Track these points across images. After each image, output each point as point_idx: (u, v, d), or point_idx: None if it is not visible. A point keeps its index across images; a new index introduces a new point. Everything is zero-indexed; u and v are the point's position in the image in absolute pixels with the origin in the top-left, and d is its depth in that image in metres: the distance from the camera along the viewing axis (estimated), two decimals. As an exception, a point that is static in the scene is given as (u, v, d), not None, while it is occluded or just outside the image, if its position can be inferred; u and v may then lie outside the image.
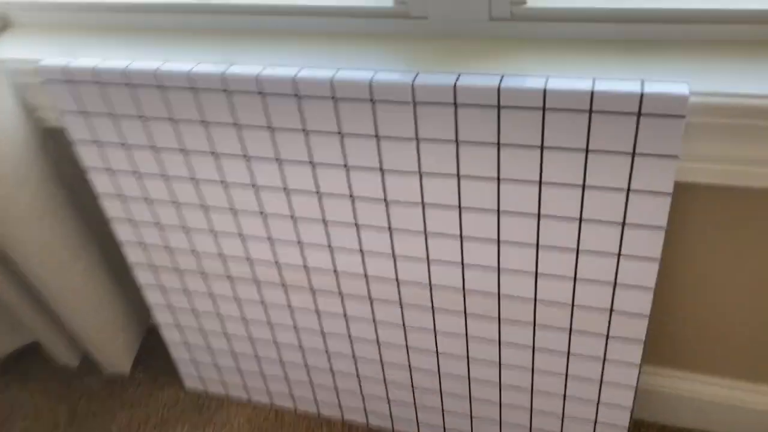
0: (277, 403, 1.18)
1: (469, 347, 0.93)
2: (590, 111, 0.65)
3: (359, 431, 1.14)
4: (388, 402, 1.07)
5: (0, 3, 0.99)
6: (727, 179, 0.71)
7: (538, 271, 0.80)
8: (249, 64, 0.77)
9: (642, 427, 1.07)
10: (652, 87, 0.63)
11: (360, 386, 1.07)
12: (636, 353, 0.84)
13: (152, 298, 1.09)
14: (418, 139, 0.73)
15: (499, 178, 0.73)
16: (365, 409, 1.11)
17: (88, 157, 0.92)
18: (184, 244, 0.98)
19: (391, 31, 0.81)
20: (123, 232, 1.00)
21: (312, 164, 0.80)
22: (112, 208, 0.97)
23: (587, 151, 0.68)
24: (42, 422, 1.23)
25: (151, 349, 1.31)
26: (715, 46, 0.71)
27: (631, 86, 0.63)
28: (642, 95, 0.63)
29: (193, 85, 0.78)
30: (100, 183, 0.95)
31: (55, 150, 1.01)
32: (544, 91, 0.66)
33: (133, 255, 1.03)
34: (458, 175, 0.74)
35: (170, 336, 1.14)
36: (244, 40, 0.87)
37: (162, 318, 1.12)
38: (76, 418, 1.23)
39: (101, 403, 1.25)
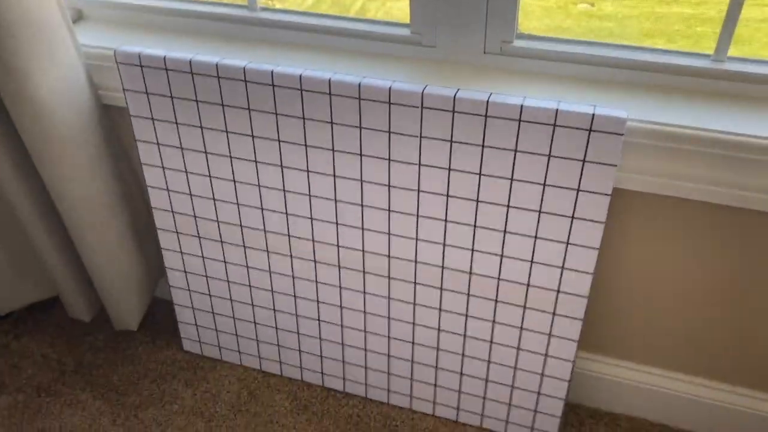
0: (266, 368, 1.35)
1: (441, 320, 1.12)
2: (554, 125, 0.87)
3: (336, 395, 1.31)
4: (365, 369, 1.25)
5: (75, -2, 1.18)
6: (658, 189, 0.93)
7: (504, 253, 1.00)
8: (291, 68, 0.98)
9: (578, 409, 1.26)
10: (601, 110, 0.85)
11: (342, 353, 1.25)
12: (576, 330, 1.04)
13: (170, 262, 1.26)
14: (421, 137, 0.94)
15: (480, 173, 0.94)
16: (344, 376, 1.28)
17: (140, 130, 1.10)
18: (210, 213, 1.16)
19: (406, 54, 1.03)
20: (156, 199, 1.18)
21: (332, 151, 1.00)
22: (151, 177, 1.15)
23: (549, 156, 0.90)
24: (48, 369, 1.37)
25: (155, 314, 1.47)
26: (657, 89, 0.94)
27: (586, 108, 0.85)
28: (593, 116, 0.85)
29: (245, 78, 0.98)
30: (146, 154, 1.13)
31: (108, 123, 1.19)
32: (521, 107, 0.87)
33: (161, 220, 1.21)
34: (449, 168, 0.95)
35: (179, 299, 1.31)
36: (285, 50, 1.08)
37: (175, 281, 1.28)
38: (81, 368, 1.38)
39: (106, 356, 1.40)
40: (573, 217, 0.94)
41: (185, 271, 1.26)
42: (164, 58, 1.01)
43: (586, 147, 0.87)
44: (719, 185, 0.90)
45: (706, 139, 0.86)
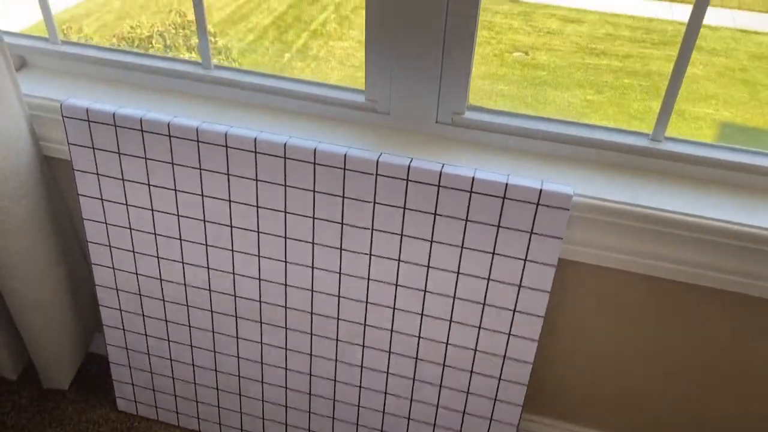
0: (204, 430, 1.30)
1: (388, 383, 1.11)
2: (504, 197, 0.90)
3: (277, 459, 1.27)
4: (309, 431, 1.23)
5: (19, 45, 1.15)
6: (601, 262, 0.97)
7: (452, 318, 1.01)
8: (246, 129, 0.98)
9: (518, 471, 1.27)
10: (548, 186, 0.88)
11: (285, 416, 1.22)
12: (520, 394, 1.05)
13: (108, 319, 1.21)
14: (375, 203, 0.95)
15: (432, 240, 0.96)
16: (286, 439, 1.26)
17: (84, 185, 1.07)
18: (153, 272, 1.13)
19: (360, 119, 1.04)
20: (97, 254, 1.14)
21: (284, 213, 1.00)
22: (93, 232, 1.12)
23: (498, 226, 0.92)
24: (-33, 432, 1.29)
25: (88, 370, 1.40)
26: (598, 164, 0.98)
27: (534, 183, 0.88)
28: (541, 190, 0.88)
29: (198, 138, 0.97)
30: (89, 209, 1.09)
31: (48, 175, 1.15)
32: (473, 179, 0.90)
33: (100, 276, 1.16)
34: (401, 234, 0.96)
35: (116, 357, 1.26)
36: (239, 109, 1.08)
37: (112, 339, 1.23)
38: (4, 429, 1.29)
39: (32, 418, 1.32)
40: (520, 286, 0.96)
41: (123, 329, 1.21)
42: (113, 114, 0.99)
43: (534, 220, 0.90)
44: (657, 259, 0.94)
45: (644, 215, 0.91)
